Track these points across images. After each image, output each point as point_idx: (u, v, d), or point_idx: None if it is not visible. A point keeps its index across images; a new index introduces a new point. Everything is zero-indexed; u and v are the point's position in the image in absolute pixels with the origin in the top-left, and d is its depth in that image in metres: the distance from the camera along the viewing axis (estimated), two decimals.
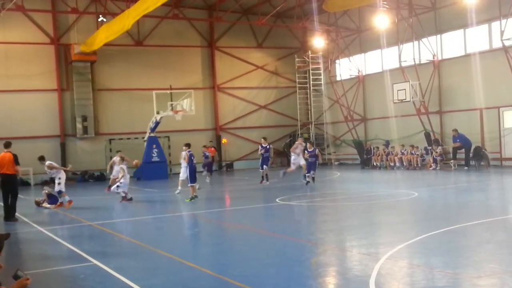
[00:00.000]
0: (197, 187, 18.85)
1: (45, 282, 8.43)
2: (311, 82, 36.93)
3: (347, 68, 35.51)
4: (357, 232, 11.70)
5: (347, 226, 12.76)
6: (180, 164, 19.86)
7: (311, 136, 36.40)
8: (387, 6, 30.09)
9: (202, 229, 13.95)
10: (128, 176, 19.07)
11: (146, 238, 11.99)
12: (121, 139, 32.42)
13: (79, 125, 31.87)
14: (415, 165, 28.55)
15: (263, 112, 37.49)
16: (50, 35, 31.85)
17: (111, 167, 22.07)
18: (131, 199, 18.56)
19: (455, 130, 26.96)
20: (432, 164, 27.58)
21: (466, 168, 26.30)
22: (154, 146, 30.47)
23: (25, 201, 19.12)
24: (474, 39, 27.48)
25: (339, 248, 10.22)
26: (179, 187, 20.06)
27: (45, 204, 18.08)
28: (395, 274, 8.07)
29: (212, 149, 31.34)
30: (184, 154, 18.83)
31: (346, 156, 35.74)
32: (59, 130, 31.82)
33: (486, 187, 20.25)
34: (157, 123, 30.29)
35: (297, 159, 22.38)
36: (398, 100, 29.43)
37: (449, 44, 29.21)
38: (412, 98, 28.90)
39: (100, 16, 31.40)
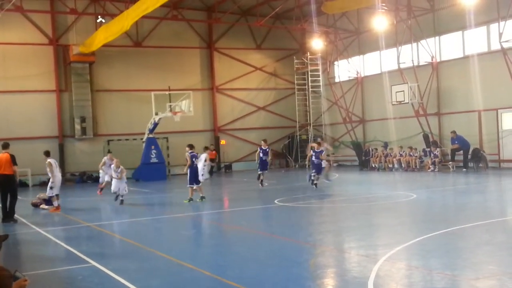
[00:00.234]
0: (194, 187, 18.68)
1: (43, 283, 8.43)
2: (309, 84, 36.95)
3: (345, 69, 35.53)
4: (355, 234, 11.71)
5: (345, 227, 12.77)
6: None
7: (309, 137, 36.41)
8: (385, 8, 30.12)
9: (201, 230, 13.96)
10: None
11: (145, 239, 11.99)
12: (120, 140, 32.38)
13: (77, 126, 31.82)
14: (414, 167, 28.57)
15: (262, 114, 37.49)
16: (48, 35, 31.83)
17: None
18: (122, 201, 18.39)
19: (454, 132, 26.98)
20: (431, 166, 27.60)
21: (464, 170, 26.32)
22: (153, 147, 30.46)
23: (23, 202, 19.07)
24: (473, 41, 27.50)
25: (338, 250, 10.22)
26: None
27: (43, 206, 18.05)
28: (394, 275, 8.08)
29: (213, 152, 31.43)
30: (201, 156, 19.43)
31: (345, 158, 35.74)
32: (57, 131, 31.78)
33: (485, 189, 20.28)
34: (155, 124, 30.27)
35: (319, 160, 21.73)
36: (397, 101, 29.45)
37: (448, 46, 29.24)
38: (410, 100, 28.92)
39: (99, 17, 31.38)
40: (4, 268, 4.86)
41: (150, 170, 29.90)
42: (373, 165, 31.01)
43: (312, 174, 21.09)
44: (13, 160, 15.09)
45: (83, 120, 31.84)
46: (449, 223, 12.01)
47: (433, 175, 25.87)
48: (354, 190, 20.60)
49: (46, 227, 14.20)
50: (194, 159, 18.33)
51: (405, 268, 8.48)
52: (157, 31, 34.20)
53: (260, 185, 22.51)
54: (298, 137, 36.86)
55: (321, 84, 36.72)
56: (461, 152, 26.91)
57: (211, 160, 31.38)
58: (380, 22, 30.38)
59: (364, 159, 31.71)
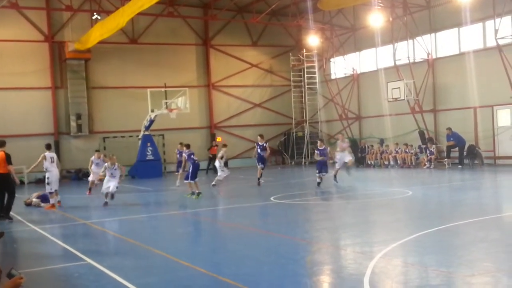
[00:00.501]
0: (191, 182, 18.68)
1: (39, 281, 8.42)
2: (305, 81, 36.95)
3: (341, 66, 35.55)
4: (351, 231, 11.74)
5: (341, 224, 12.80)
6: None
7: (305, 134, 36.44)
8: (381, 5, 30.13)
9: (197, 228, 13.96)
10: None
11: (141, 237, 11.98)
12: (115, 137, 32.34)
13: (73, 123, 31.75)
14: (409, 164, 28.64)
15: (258, 110, 37.49)
16: (44, 32, 31.72)
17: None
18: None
19: (449, 129, 27.05)
20: (426, 163, 27.66)
21: (460, 166, 26.40)
22: (149, 144, 30.42)
23: (18, 199, 18.96)
24: (468, 38, 27.55)
25: (334, 247, 10.25)
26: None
27: (38, 203, 18.01)
28: (389, 272, 8.11)
29: (214, 148, 31.43)
30: (221, 152, 20.90)
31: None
32: (53, 128, 31.71)
33: (480, 186, 20.33)
34: (151, 121, 30.23)
35: (343, 156, 21.36)
36: (393, 98, 29.50)
37: (444, 43, 29.29)
38: (406, 96, 28.98)
39: (95, 13, 31.29)
40: None
41: (146, 167, 29.88)
42: (369, 162, 31.08)
43: (317, 175, 20.40)
44: (7, 159, 14.82)
45: (78, 117, 31.78)
46: (444, 220, 12.05)
47: (428, 172, 25.93)
48: (350, 187, 20.61)
49: (42, 224, 14.17)
50: (192, 156, 18.60)
51: (401, 265, 8.51)
52: (153, 28, 34.13)
53: (257, 183, 22.06)
54: (294, 134, 36.87)
55: (317, 81, 36.74)
56: (457, 148, 27.00)
57: (213, 155, 31.48)
58: (376, 19, 30.41)
59: (360, 155, 31.75)
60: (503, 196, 17.55)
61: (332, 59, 36.37)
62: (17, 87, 30.85)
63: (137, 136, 31.32)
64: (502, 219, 12.62)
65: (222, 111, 36.43)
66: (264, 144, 22.53)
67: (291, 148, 36.71)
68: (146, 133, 30.56)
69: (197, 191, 18.37)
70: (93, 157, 21.46)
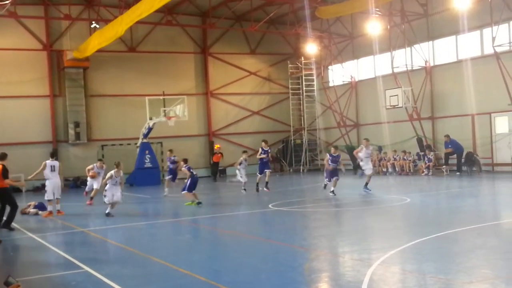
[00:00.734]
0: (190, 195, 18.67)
1: None
2: (304, 88, 37.02)
3: (340, 74, 35.64)
4: (349, 238, 11.73)
5: (339, 231, 12.80)
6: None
7: (304, 142, 36.47)
8: (379, 13, 30.26)
9: (195, 235, 13.94)
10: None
11: (139, 245, 11.96)
12: (114, 145, 32.34)
13: (71, 131, 31.76)
14: (408, 171, 28.66)
15: (256, 118, 37.53)
16: (42, 41, 31.78)
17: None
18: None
19: (447, 136, 27.09)
20: (425, 170, 27.68)
21: (458, 173, 26.41)
22: (147, 152, 30.42)
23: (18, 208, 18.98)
24: (466, 46, 27.65)
25: (332, 254, 10.24)
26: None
27: (36, 210, 17.99)
28: (387, 280, 8.10)
29: (219, 155, 31.45)
30: (241, 159, 21.54)
31: None
32: (51, 136, 31.70)
33: (478, 193, 20.34)
34: (150, 129, 30.25)
35: (365, 165, 20.71)
36: (391, 106, 29.57)
37: (441, 51, 29.38)
38: (404, 104, 29.06)
39: (93, 22, 31.37)
40: None
41: (144, 175, 29.87)
42: None
43: (325, 182, 20.00)
44: (4, 173, 14.28)
45: (77, 125, 31.78)
46: (442, 227, 12.05)
47: (427, 179, 25.93)
48: (348, 194, 20.60)
49: (40, 232, 14.14)
50: (191, 171, 18.50)
51: (399, 272, 8.51)
52: (151, 36, 34.22)
53: (265, 188, 21.78)
54: (292, 141, 36.90)
55: (315, 88, 36.81)
56: (455, 156, 27.02)
57: (216, 163, 31.57)
58: (374, 27, 30.53)
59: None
60: (501, 203, 17.56)
61: (330, 67, 36.47)
62: (16, 96, 30.87)
63: (135, 144, 31.32)
64: (500, 226, 12.62)
65: (220, 118, 36.47)
66: (269, 150, 22.37)
67: (290, 156, 36.74)
68: (145, 141, 30.56)
69: (196, 200, 18.32)
70: (95, 165, 20.63)
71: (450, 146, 26.92)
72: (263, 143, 22.56)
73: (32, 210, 18.12)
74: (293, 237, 12.15)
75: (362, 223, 13.98)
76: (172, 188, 22.60)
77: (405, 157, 29.03)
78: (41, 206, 18.24)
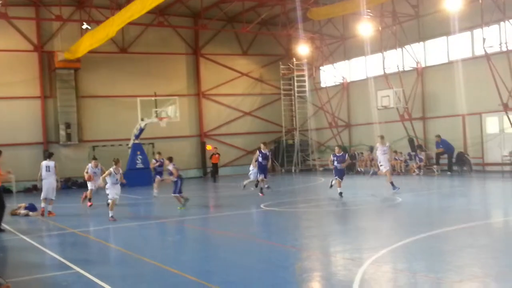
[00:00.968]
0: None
1: None
2: (295, 89, 37.08)
3: (331, 75, 35.72)
4: (341, 237, 11.77)
5: (331, 231, 12.82)
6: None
7: (295, 142, 36.52)
8: (371, 14, 30.37)
9: (186, 236, 13.91)
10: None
11: (130, 245, 11.93)
12: (105, 146, 32.23)
13: (62, 132, 31.62)
14: (399, 171, 28.75)
15: (248, 119, 37.54)
16: (33, 42, 31.64)
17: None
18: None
19: (438, 136, 27.22)
20: (416, 170, 27.78)
21: (449, 173, 26.55)
22: (139, 153, 30.34)
23: (6, 208, 18.86)
24: (457, 47, 27.79)
25: (323, 254, 10.26)
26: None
27: (26, 211, 17.91)
28: (379, 279, 8.13)
29: (217, 155, 31.31)
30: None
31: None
32: (42, 137, 31.55)
33: (469, 192, 20.45)
34: (141, 130, 30.17)
35: (382, 162, 19.78)
36: (382, 106, 29.67)
37: (432, 52, 29.52)
38: (395, 104, 29.17)
39: (84, 23, 31.26)
40: None
41: (136, 176, 29.71)
42: (359, 169, 31.17)
43: (333, 182, 19.22)
44: None
45: (68, 126, 31.66)
46: (433, 226, 12.11)
47: (418, 179, 26.03)
48: (340, 193, 20.60)
49: (30, 234, 14.06)
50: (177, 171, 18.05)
51: (390, 271, 8.54)
52: (143, 38, 34.16)
53: (259, 193, 20.44)
54: (284, 142, 36.95)
55: (307, 89, 36.87)
56: (446, 156, 27.15)
57: (214, 164, 31.33)
58: (365, 28, 30.62)
59: (350, 163, 31.79)
60: (491, 203, 17.65)
61: (322, 68, 36.55)
62: (7, 97, 30.71)
63: (127, 144, 31.24)
64: (491, 225, 12.70)
65: (212, 119, 36.45)
66: (267, 153, 20.98)
67: (282, 156, 36.79)
68: (136, 141, 30.48)
69: (184, 198, 18.05)
70: (89, 166, 20.13)
71: (441, 146, 27.05)
72: (262, 145, 21.06)
73: (22, 211, 18.03)
74: (284, 237, 12.16)
75: (353, 223, 14.02)
76: (161, 189, 22.40)
77: (397, 157, 29.12)
78: (31, 207, 18.18)
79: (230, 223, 14.94)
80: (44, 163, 17.74)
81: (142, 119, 29.92)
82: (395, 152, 29.26)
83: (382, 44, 30.64)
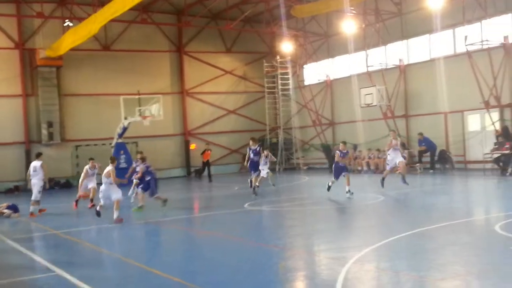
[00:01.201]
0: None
1: None
2: (279, 87, 37.08)
3: (315, 72, 35.79)
4: (324, 236, 11.80)
5: (314, 230, 12.85)
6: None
7: (279, 141, 36.54)
8: (354, 12, 30.46)
9: (171, 237, 13.84)
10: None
11: (113, 247, 11.87)
12: (88, 145, 31.94)
13: (44, 131, 31.23)
14: (382, 169, 28.86)
15: (232, 117, 37.47)
16: (14, 39, 31.24)
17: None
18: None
19: (421, 134, 27.41)
20: (399, 168, 27.89)
21: (431, 171, 26.75)
22: (122, 152, 30.03)
23: None
24: (439, 44, 28.00)
25: (307, 253, 10.28)
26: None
27: (7, 211, 17.70)
28: (362, 278, 8.17)
29: (208, 152, 31.00)
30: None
31: (315, 161, 35.95)
32: (23, 136, 31.15)
33: (451, 190, 20.63)
34: (124, 129, 29.93)
35: (394, 158, 18.99)
36: (365, 104, 29.78)
37: (415, 49, 29.71)
38: (378, 102, 29.30)
39: (66, 20, 30.95)
40: None
41: (119, 175, 28.77)
42: None
43: (332, 180, 18.72)
44: None
45: (50, 125, 31.25)
46: (416, 225, 12.18)
47: (401, 177, 26.12)
48: (324, 193, 20.66)
49: (11, 235, 13.90)
50: (149, 169, 17.58)
51: (373, 270, 8.58)
52: (126, 35, 33.90)
53: (253, 194, 19.78)
54: (268, 140, 36.94)
55: (290, 87, 36.88)
56: (428, 153, 27.35)
57: (206, 161, 30.86)
58: (348, 26, 30.69)
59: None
60: (473, 200, 17.84)
61: (305, 66, 36.60)
62: None
63: (110, 144, 30.97)
64: (473, 223, 12.83)
65: (196, 118, 36.32)
66: (257, 148, 20.14)
67: None
68: (119, 140, 30.22)
69: (141, 204, 17.45)
70: (87, 167, 19.26)
71: (423, 144, 27.24)
72: (251, 141, 20.45)
73: (6, 211, 17.80)
74: (268, 236, 12.18)
75: (336, 222, 14.08)
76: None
77: (380, 155, 29.28)
78: (14, 207, 17.97)
79: (214, 223, 14.91)
80: (32, 163, 17.68)
81: (125, 118, 29.66)
82: (378, 150, 29.45)
83: (365, 42, 30.76)
